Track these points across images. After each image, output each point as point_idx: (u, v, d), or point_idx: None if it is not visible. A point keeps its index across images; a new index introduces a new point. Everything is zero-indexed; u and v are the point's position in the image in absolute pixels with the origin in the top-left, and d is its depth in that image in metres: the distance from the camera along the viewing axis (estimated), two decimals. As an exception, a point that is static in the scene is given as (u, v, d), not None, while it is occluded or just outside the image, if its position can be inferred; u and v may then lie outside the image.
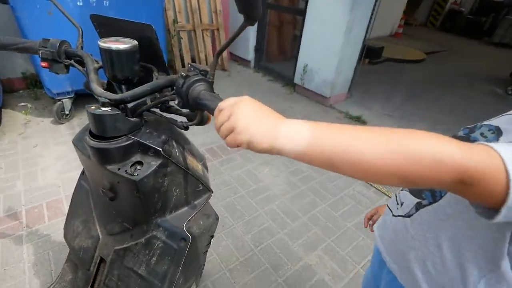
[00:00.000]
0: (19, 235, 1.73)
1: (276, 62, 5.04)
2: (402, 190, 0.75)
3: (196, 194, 0.85)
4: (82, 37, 0.77)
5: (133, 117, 0.70)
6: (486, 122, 0.61)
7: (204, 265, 1.25)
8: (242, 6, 0.48)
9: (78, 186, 0.96)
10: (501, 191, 0.37)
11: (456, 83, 5.33)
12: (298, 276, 1.71)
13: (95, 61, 0.74)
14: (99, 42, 0.63)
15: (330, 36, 3.52)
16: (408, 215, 0.68)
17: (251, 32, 4.66)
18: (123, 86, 0.72)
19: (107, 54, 0.64)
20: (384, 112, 3.90)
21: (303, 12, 3.77)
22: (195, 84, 0.57)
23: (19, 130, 2.69)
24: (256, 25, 4.60)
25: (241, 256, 1.79)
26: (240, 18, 0.50)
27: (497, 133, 0.55)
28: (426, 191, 0.65)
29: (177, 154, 0.75)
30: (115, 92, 0.73)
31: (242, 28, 0.53)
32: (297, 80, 4.15)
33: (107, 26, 0.72)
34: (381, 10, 3.80)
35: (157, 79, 0.70)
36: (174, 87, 0.60)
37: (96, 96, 0.66)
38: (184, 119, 0.73)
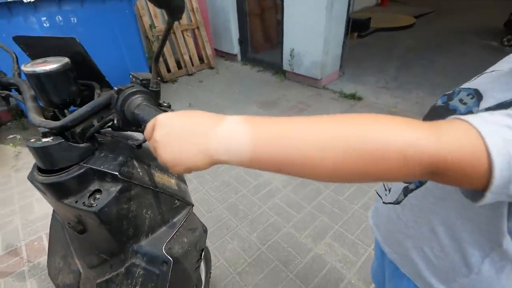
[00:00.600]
0: (21, 271, 1.70)
1: (263, 51, 4.91)
2: None
3: (173, 212, 0.79)
4: (17, 63, 0.70)
5: (83, 143, 0.63)
6: (464, 85, 0.54)
7: (209, 279, 1.20)
8: (159, 1, 0.41)
9: (53, 220, 0.91)
10: (483, 174, 0.30)
11: (450, 42, 5.15)
12: (309, 268, 1.66)
13: (34, 87, 0.67)
14: (22, 67, 0.56)
15: (311, 15, 3.39)
16: (398, 202, 0.63)
17: (233, 24, 4.53)
18: (65, 111, 0.65)
19: (34, 79, 0.56)
20: (379, 85, 3.78)
21: (280, -5, 3.64)
22: (130, 97, 0.50)
23: (11, 163, 2.65)
24: (236, 16, 4.49)
25: (249, 256, 1.74)
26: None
27: (477, 97, 0.48)
28: None
29: (141, 174, 0.69)
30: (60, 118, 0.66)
31: (169, 26, 0.46)
32: (286, 66, 4.04)
33: (35, 47, 0.64)
34: (360, -20, 3.65)
35: (98, 96, 0.63)
36: None
37: (35, 126, 0.59)
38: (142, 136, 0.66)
